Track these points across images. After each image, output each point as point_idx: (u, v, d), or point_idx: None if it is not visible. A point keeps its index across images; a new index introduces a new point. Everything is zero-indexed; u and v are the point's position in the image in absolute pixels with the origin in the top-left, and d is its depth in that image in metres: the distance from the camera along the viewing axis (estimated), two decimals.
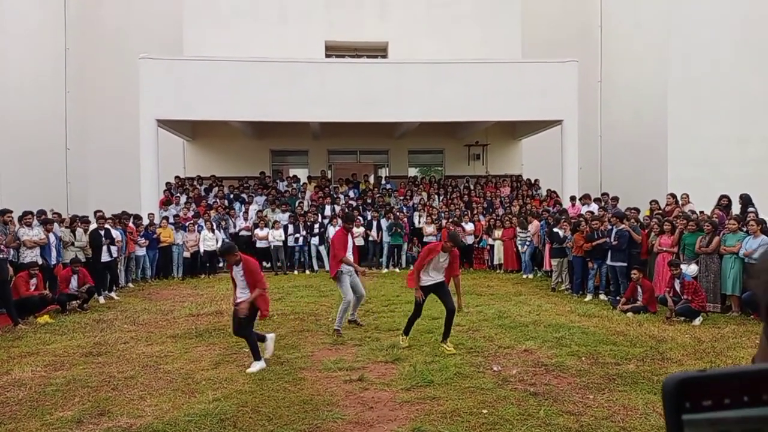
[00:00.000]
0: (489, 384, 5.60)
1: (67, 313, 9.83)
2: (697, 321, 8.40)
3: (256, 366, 6.26)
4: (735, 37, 17.74)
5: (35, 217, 10.76)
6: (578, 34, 22.07)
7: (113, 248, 11.85)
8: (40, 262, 10.02)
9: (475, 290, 11.78)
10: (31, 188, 17.21)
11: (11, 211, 10.06)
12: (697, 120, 17.57)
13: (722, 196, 11.98)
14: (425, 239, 16.07)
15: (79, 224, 11.80)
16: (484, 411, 4.89)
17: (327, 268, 15.28)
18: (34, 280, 9.56)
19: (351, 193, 18.20)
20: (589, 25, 22.21)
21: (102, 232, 11.72)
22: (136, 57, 15.88)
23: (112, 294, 11.70)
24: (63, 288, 10.12)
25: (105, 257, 11.63)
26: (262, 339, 6.68)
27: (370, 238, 15.90)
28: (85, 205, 18.77)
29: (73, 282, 10.24)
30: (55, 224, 11.30)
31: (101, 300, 11.06)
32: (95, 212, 12.62)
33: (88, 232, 11.74)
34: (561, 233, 12.00)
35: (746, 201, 11.78)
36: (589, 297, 10.76)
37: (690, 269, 9.43)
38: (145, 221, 14.32)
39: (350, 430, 4.56)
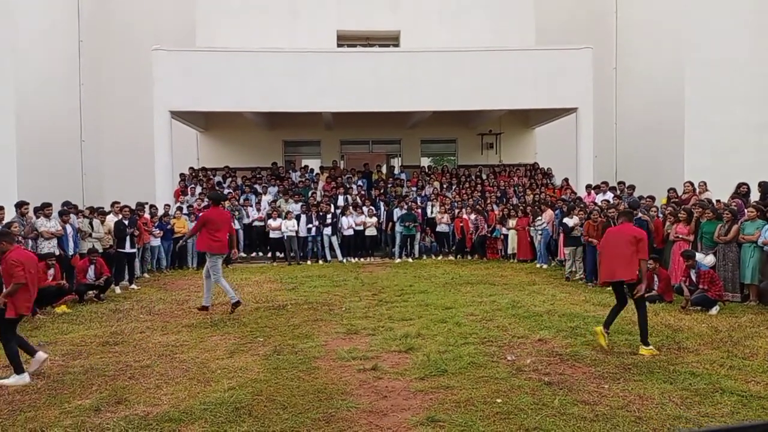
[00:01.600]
0: (503, 373, 5.58)
1: (84, 303, 9.96)
2: (714, 310, 8.30)
3: (13, 380, 5.54)
4: (751, 23, 17.39)
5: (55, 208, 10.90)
6: (593, 20, 21.78)
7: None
8: (57, 252, 10.13)
9: (488, 280, 11.75)
10: (47, 181, 17.37)
11: (27, 203, 10.16)
12: (714, 107, 17.28)
13: (741, 184, 11.77)
14: (438, 229, 16.08)
15: (97, 216, 11.93)
16: (498, 400, 4.87)
17: (340, 258, 15.44)
18: (51, 271, 9.67)
19: (360, 182, 18.19)
20: (604, 12, 21.89)
21: (126, 222, 11.89)
22: (149, 49, 15.95)
23: (133, 285, 11.83)
24: (80, 278, 10.25)
25: (127, 248, 11.86)
26: (32, 352, 5.83)
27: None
28: (101, 197, 18.94)
29: (90, 272, 10.36)
30: (72, 215, 11.43)
31: (117, 290, 11.19)
32: (113, 203, 12.74)
33: (114, 223, 11.89)
34: (570, 223, 11.90)
35: (765, 188, 11.56)
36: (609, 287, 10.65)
37: (707, 260, 9.30)
38: (161, 212, 14.45)
39: (364, 419, 4.57)
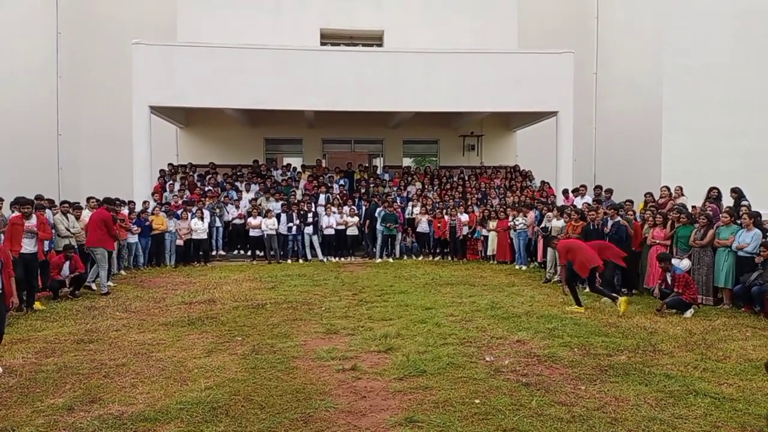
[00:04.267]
0: (481, 374, 5.61)
1: (58, 300, 9.78)
2: (689, 313, 8.44)
3: None
4: (730, 30, 17.74)
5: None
6: (574, 25, 22.02)
7: None
8: (34, 250, 9.90)
9: (468, 281, 11.81)
10: (23, 175, 17.04)
11: (2, 199, 9.91)
12: (692, 112, 17.59)
13: (712, 188, 12.01)
14: (419, 229, 16.10)
15: (72, 211, 11.69)
16: (477, 401, 4.90)
17: (320, 257, 15.38)
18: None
19: (342, 182, 18.14)
20: (585, 16, 22.15)
21: None
22: (129, 43, 15.72)
23: (110, 282, 11.62)
24: (55, 274, 10.06)
25: None
26: None
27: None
28: (77, 192, 18.63)
29: (66, 269, 10.17)
30: (48, 211, 11.18)
31: (93, 287, 11.00)
32: (88, 199, 12.53)
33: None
34: (556, 224, 12.01)
35: (739, 194, 11.82)
36: (587, 289, 10.74)
37: (683, 264, 9.48)
38: (138, 208, 14.26)
39: (343, 419, 4.56)
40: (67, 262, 10.19)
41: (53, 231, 10.90)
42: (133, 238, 13.66)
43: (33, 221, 9.26)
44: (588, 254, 8.80)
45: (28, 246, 8.95)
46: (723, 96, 17.57)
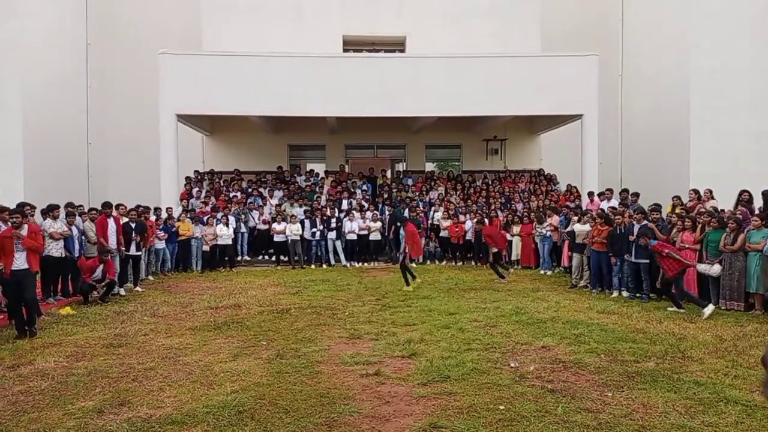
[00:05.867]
0: (506, 380, 5.57)
1: (88, 305, 9.99)
2: (708, 310, 8.37)
3: None
4: (757, 30, 17.38)
5: (62, 209, 10.90)
6: (599, 27, 21.80)
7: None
8: (63, 254, 10.16)
9: (492, 286, 11.73)
10: (53, 182, 17.48)
11: (29, 205, 10.11)
12: (719, 115, 17.26)
13: (743, 191, 11.73)
14: (442, 234, 16.06)
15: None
16: (501, 407, 4.86)
17: (343, 262, 15.44)
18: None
19: (365, 187, 18.20)
20: (609, 18, 21.90)
21: (133, 225, 11.92)
22: (156, 52, 16.04)
23: (138, 288, 11.86)
24: (86, 277, 10.26)
25: (133, 250, 11.91)
26: None
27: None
28: (106, 199, 18.90)
29: (98, 272, 10.36)
30: (78, 217, 11.45)
31: (122, 292, 11.22)
32: (117, 205, 12.77)
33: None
34: (581, 228, 11.86)
35: (765, 197, 11.51)
36: (615, 294, 10.61)
37: (713, 269, 9.30)
38: (164, 215, 14.51)
39: (366, 424, 4.57)
40: (101, 266, 10.39)
41: (84, 237, 11.16)
42: (161, 244, 13.89)
43: (24, 231, 8.19)
44: (418, 244, 12.20)
45: (17, 261, 7.93)
46: (750, 97, 17.22)
